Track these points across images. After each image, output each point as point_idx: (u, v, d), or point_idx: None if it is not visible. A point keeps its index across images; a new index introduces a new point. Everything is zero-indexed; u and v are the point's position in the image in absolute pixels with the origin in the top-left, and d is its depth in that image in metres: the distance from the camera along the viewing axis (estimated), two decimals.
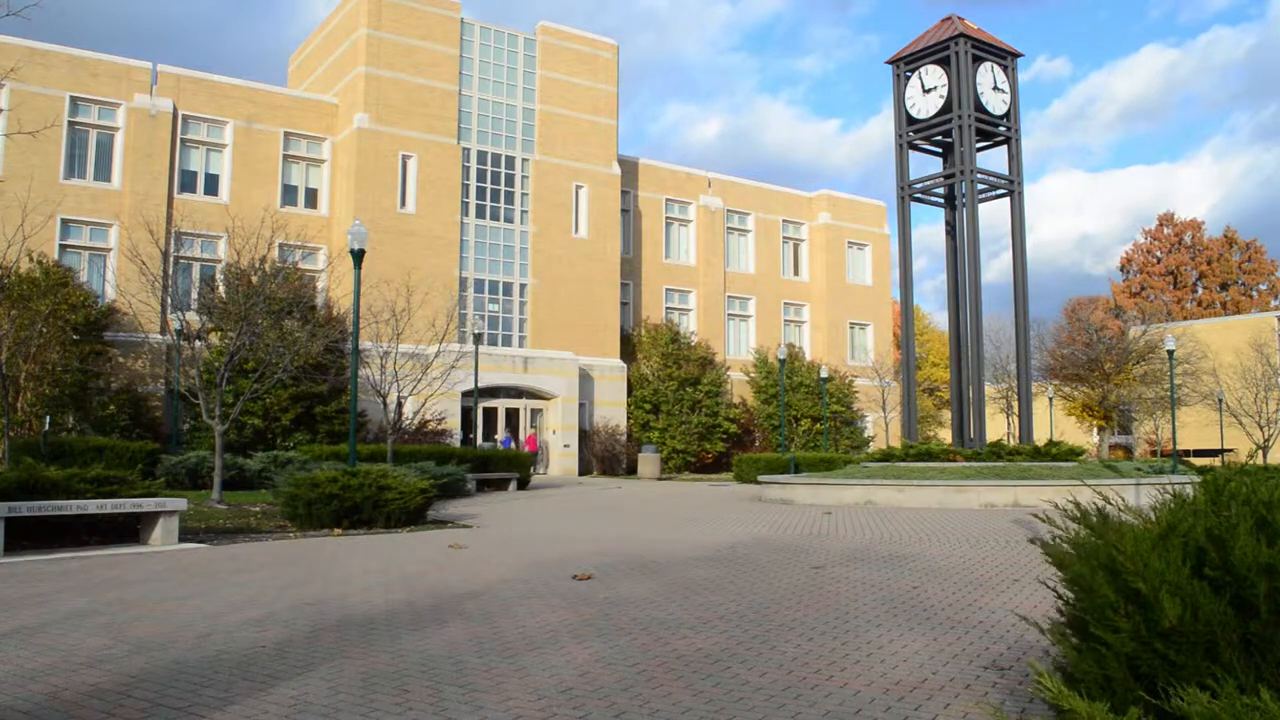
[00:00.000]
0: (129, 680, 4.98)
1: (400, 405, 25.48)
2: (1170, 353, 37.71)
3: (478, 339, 30.81)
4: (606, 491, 26.15)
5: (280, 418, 29.51)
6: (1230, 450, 50.80)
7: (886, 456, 23.38)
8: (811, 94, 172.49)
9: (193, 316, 25.25)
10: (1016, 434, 36.49)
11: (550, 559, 10.29)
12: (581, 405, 39.02)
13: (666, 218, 46.05)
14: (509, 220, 38.87)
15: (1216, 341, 55.48)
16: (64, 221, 32.56)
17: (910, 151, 25.03)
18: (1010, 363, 47.23)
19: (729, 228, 48.06)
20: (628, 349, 42.34)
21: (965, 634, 6.16)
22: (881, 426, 48.44)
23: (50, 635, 6.19)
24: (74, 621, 6.65)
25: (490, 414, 37.35)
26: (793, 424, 44.36)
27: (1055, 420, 53.96)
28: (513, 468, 27.36)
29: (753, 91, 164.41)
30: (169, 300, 24.53)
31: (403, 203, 36.36)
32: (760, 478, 24.38)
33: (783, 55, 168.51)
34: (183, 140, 34.87)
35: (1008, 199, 24.74)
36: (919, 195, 25.29)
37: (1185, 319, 69.22)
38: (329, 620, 6.71)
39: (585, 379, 39.25)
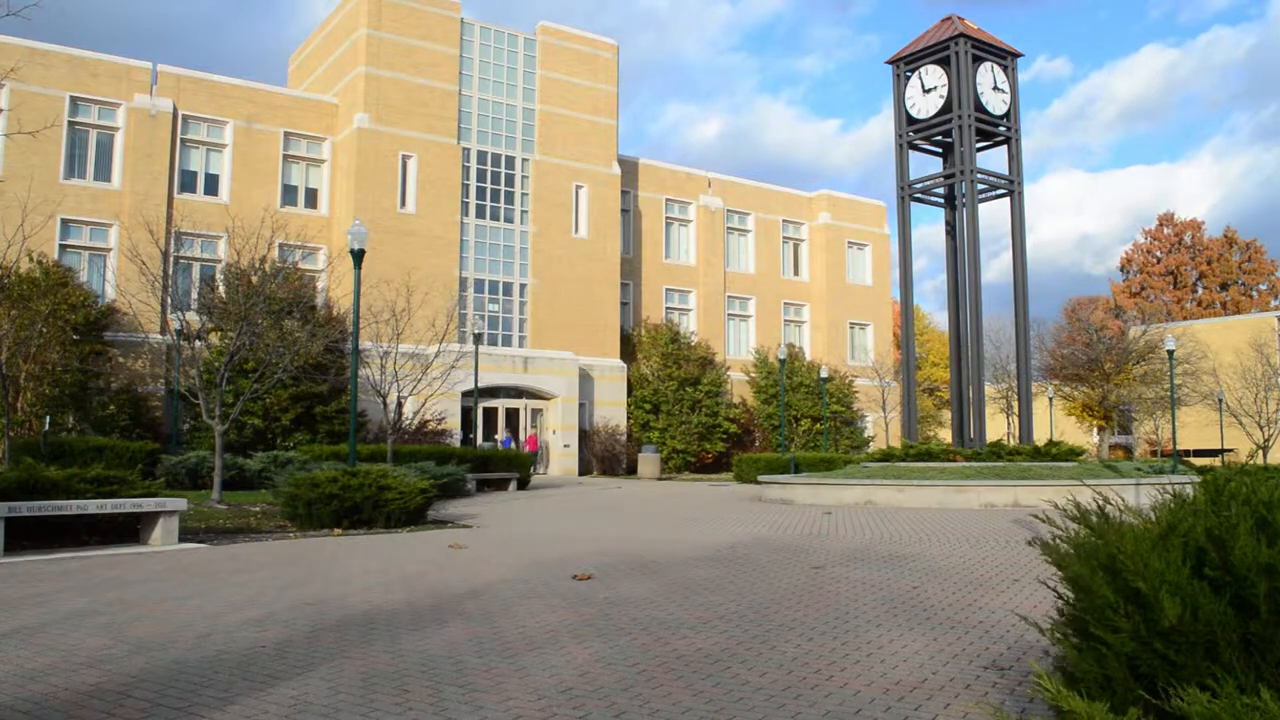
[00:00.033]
0: (129, 680, 4.98)
1: (400, 405, 25.48)
2: (1170, 353, 37.71)
3: (478, 339, 30.81)
4: (606, 491, 26.15)
5: (280, 418, 29.51)
6: (1230, 450, 50.80)
7: (886, 456, 23.39)
8: (811, 94, 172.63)
9: (193, 316, 25.25)
10: (1016, 434, 36.49)
11: (550, 559, 10.29)
12: (581, 405, 39.03)
13: (666, 218, 46.05)
14: (509, 220, 38.87)
15: (1216, 341, 55.48)
16: (64, 221, 32.56)
17: (910, 151, 25.03)
18: (1010, 363, 47.24)
19: (729, 228, 48.07)
20: (628, 349, 42.35)
21: (965, 634, 6.16)
22: (881, 426, 48.44)
23: (50, 635, 6.19)
24: (74, 621, 6.65)
25: (490, 414, 37.35)
26: (793, 424, 44.37)
27: (1055, 420, 53.96)
28: (513, 468, 27.37)
29: (753, 91, 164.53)
30: (169, 300, 24.53)
31: (403, 203, 36.36)
32: (760, 478, 24.38)
33: (783, 55, 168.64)
34: (183, 140, 34.87)
35: (1008, 199, 24.74)
36: (919, 195, 25.29)
37: (1185, 319, 69.23)
38: (329, 620, 6.71)
39: (585, 379, 39.25)
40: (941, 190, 25.27)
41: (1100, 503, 3.62)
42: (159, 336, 32.36)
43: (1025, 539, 11.22)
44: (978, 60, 23.92)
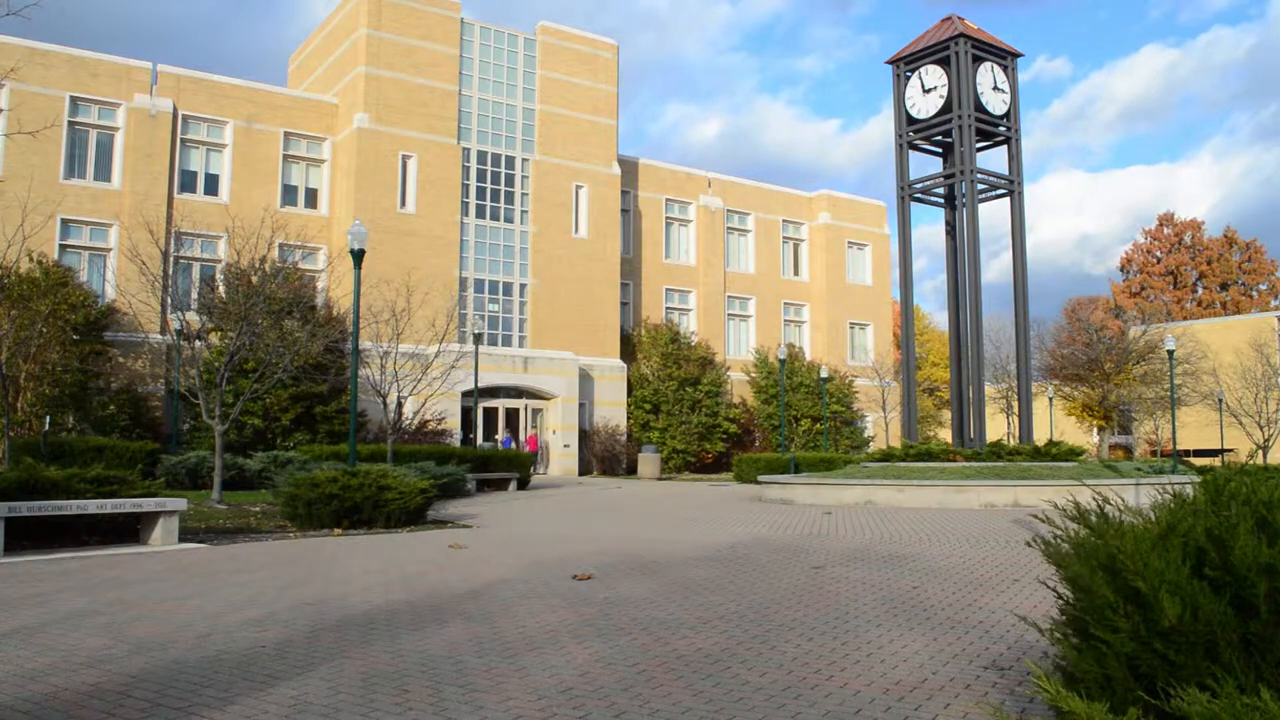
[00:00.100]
0: (129, 680, 4.98)
1: (400, 405, 25.48)
2: (1170, 353, 37.71)
3: (478, 339, 30.81)
4: (606, 491, 26.15)
5: (280, 418, 29.51)
6: (1230, 450, 50.80)
7: (886, 456, 23.38)
8: (811, 94, 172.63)
9: (193, 316, 25.25)
10: (1016, 434, 36.49)
11: (550, 559, 10.29)
12: (581, 405, 39.03)
13: (666, 218, 46.06)
14: (509, 220, 38.87)
15: (1216, 341, 55.48)
16: (64, 221, 32.57)
17: (910, 151, 25.03)
18: (1010, 363, 47.24)
19: (729, 228, 48.07)
20: (628, 349, 42.35)
21: (965, 634, 6.16)
22: (881, 426, 48.44)
23: (50, 635, 6.19)
24: (74, 621, 6.65)
25: (490, 414, 37.35)
26: (793, 424, 44.37)
27: (1055, 420, 53.96)
28: (513, 468, 27.37)
29: (753, 91, 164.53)
30: (169, 300, 24.53)
31: (403, 203, 36.36)
32: (760, 478, 24.38)
33: (783, 55, 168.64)
34: (183, 140, 34.88)
35: (1008, 199, 24.74)
36: (919, 195, 25.29)
37: (1185, 319, 69.23)
38: (329, 620, 6.71)
39: (585, 379, 39.26)
40: (941, 190, 25.27)
41: (1100, 503, 3.62)
42: (159, 336, 32.36)
43: (1025, 539, 11.21)
44: (978, 60, 23.92)
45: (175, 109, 34.56)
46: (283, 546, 12.01)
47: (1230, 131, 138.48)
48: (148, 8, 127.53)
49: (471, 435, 34.71)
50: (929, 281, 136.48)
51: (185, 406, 28.65)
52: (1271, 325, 59.07)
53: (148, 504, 12.03)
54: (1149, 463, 26.21)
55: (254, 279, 24.92)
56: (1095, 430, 55.58)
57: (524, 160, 39.33)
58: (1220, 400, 48.00)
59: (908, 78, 24.78)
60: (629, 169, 44.24)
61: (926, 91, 24.25)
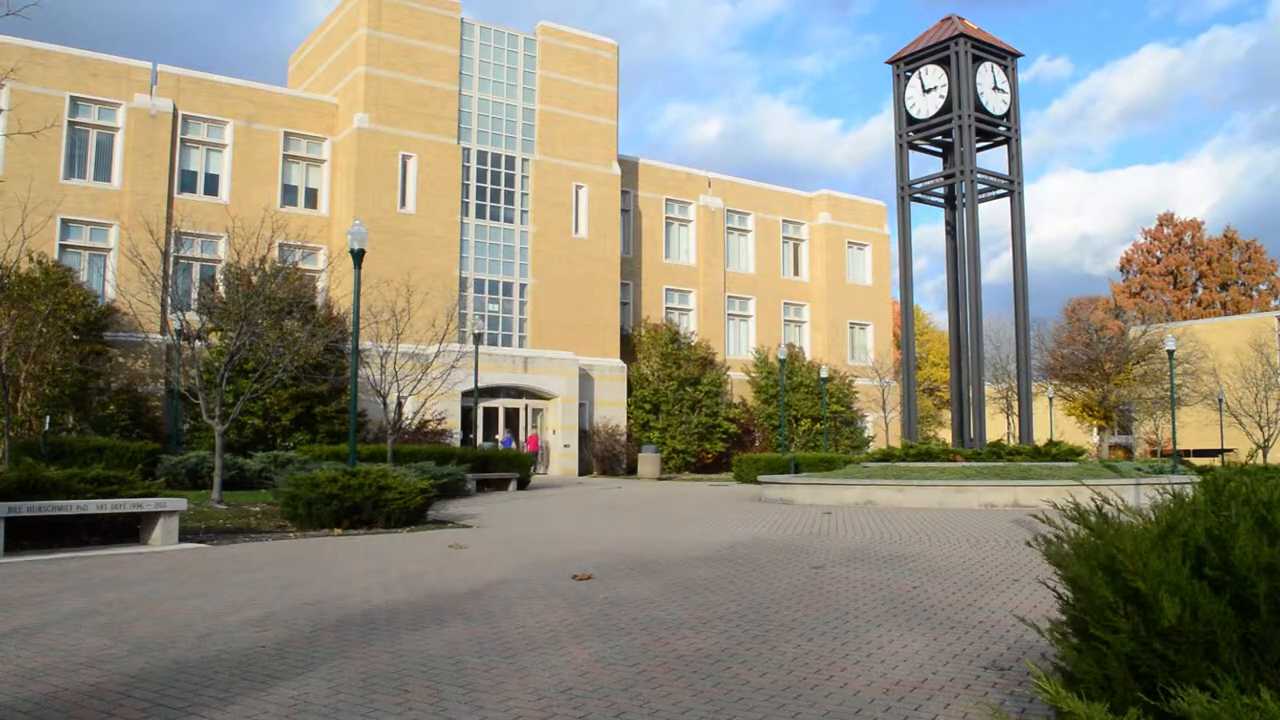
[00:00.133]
0: (129, 680, 4.98)
1: (400, 405, 25.48)
2: (1170, 353, 37.71)
3: (478, 339, 30.81)
4: (606, 491, 26.15)
5: (280, 418, 29.51)
6: (1230, 450, 50.80)
7: (886, 456, 23.38)
8: (811, 94, 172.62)
9: (193, 316, 25.26)
10: (1016, 434, 36.49)
11: (550, 559, 10.29)
12: (581, 405, 39.03)
13: (666, 218, 46.06)
14: (509, 220, 38.87)
15: (1216, 341, 55.48)
16: (64, 221, 32.57)
17: (910, 151, 25.02)
18: (1010, 363, 47.23)
19: (729, 228, 48.07)
20: (628, 349, 42.35)
21: (965, 634, 6.16)
22: (881, 426, 48.44)
23: (50, 635, 6.19)
24: (74, 621, 6.65)
25: (490, 414, 37.35)
26: (793, 424, 44.37)
27: (1055, 420, 53.96)
28: (513, 468, 27.37)
29: (753, 91, 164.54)
30: (169, 300, 24.53)
31: (403, 203, 36.36)
32: (760, 478, 24.38)
33: (783, 55, 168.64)
34: (183, 140, 34.88)
35: (1008, 199, 24.74)
36: (919, 195, 25.29)
37: (1185, 319, 69.23)
38: (329, 620, 6.71)
39: (585, 379, 39.26)
40: (941, 190, 25.26)
41: (1099, 503, 3.62)
42: (159, 336, 32.36)
43: (1025, 539, 11.22)
44: (978, 60, 23.92)
45: (175, 109, 34.56)
46: (283, 546, 12.01)
47: (1230, 131, 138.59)
48: (148, 8, 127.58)
49: (471, 435, 34.71)
50: (929, 281, 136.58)
51: (185, 406, 28.65)
52: (1271, 325, 59.07)
53: (148, 504, 12.03)
54: (1149, 463, 26.21)
55: (254, 279, 24.92)
56: (1095, 430, 55.58)
57: (524, 160, 39.33)
58: (1220, 400, 48.00)
59: (908, 78, 24.78)
60: (629, 169, 44.24)
61: (926, 91, 24.25)
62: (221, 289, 27.70)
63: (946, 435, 49.18)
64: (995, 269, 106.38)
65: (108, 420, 28.71)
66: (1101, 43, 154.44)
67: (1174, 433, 37.53)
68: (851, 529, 13.77)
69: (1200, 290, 79.27)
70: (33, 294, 24.82)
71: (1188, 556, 3.10)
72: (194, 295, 27.82)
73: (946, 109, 23.75)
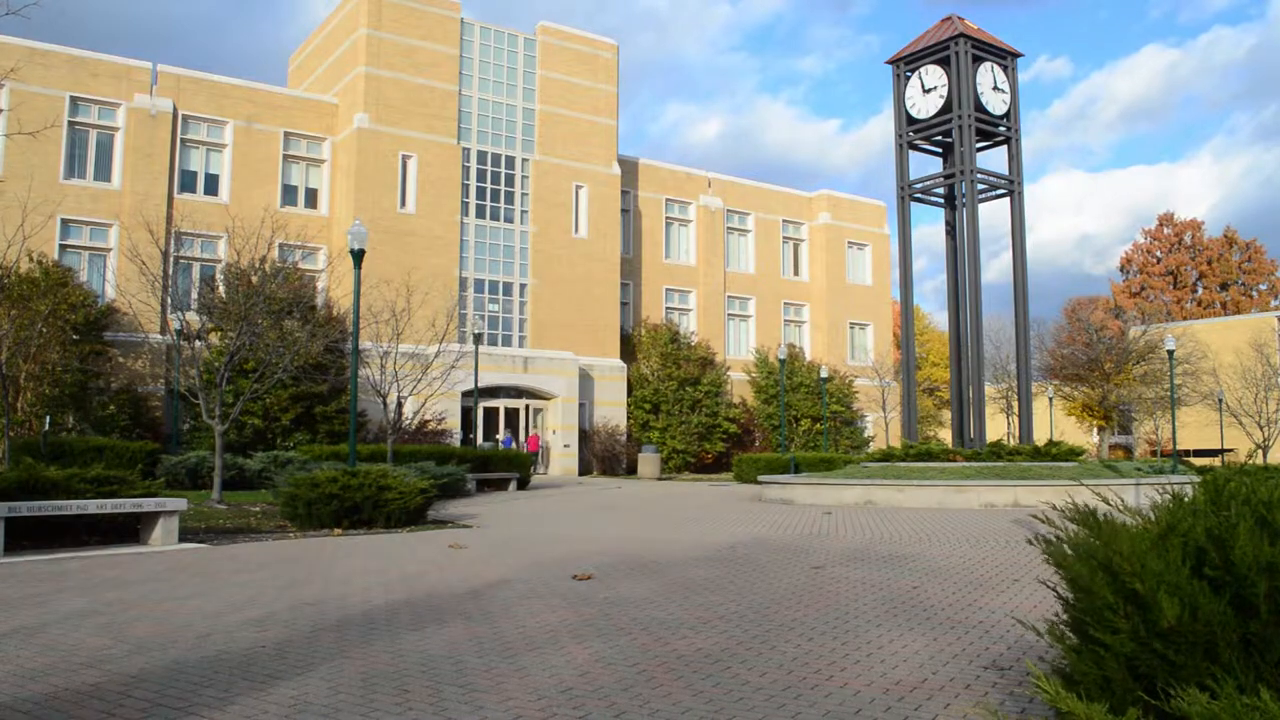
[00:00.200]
0: (129, 680, 4.98)
1: (400, 405, 25.47)
2: (1170, 353, 37.71)
3: (478, 339, 30.81)
4: (606, 491, 26.15)
5: (280, 418, 29.51)
6: (1230, 450, 50.79)
7: (886, 456, 23.38)
8: (812, 94, 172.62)
9: (193, 316, 25.26)
10: (1016, 434, 36.49)
11: (550, 559, 10.29)
12: (581, 405, 39.03)
13: (666, 218, 46.05)
14: (509, 220, 38.87)
15: (1216, 341, 55.48)
16: (64, 221, 32.56)
17: (910, 151, 25.02)
18: (1010, 363, 47.23)
19: (729, 228, 48.07)
20: (628, 349, 42.35)
21: (965, 634, 6.16)
22: (881, 426, 48.44)
23: (50, 635, 6.19)
24: (74, 621, 6.65)
25: (490, 414, 37.35)
26: (793, 424, 44.36)
27: (1055, 420, 53.95)
28: (513, 468, 27.37)
29: (753, 91, 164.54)
30: (169, 300, 24.54)
31: (403, 203, 36.36)
32: (760, 478, 24.38)
33: (783, 55, 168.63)
34: (183, 140, 34.88)
35: (1008, 199, 24.74)
36: (919, 195, 25.29)
37: (1185, 319, 69.22)
38: (329, 620, 6.71)
39: (585, 379, 39.26)
40: (941, 190, 25.26)
41: (1099, 503, 3.62)
42: (159, 336, 32.36)
43: (1025, 539, 11.24)
44: (978, 60, 23.92)
45: (175, 109, 34.56)
46: (283, 546, 12.01)
47: (1230, 131, 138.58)
48: (148, 8, 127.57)
49: (472, 435, 34.71)
50: (929, 281, 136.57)
51: (185, 406, 28.65)
52: (1271, 325, 59.07)
53: (148, 504, 12.03)
54: (1149, 463, 26.21)
55: (254, 279, 24.92)
56: (1095, 430, 55.58)
57: (524, 160, 39.33)
58: (1220, 400, 48.00)
59: (908, 78, 24.78)
60: (629, 169, 44.24)
61: (926, 91, 24.25)
62: (221, 289, 27.70)
63: (946, 435, 49.18)
64: (995, 269, 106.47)
65: (108, 420, 28.71)
66: (1102, 43, 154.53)
67: (1174, 433, 37.52)
68: (851, 529, 13.78)
69: (1200, 290, 79.26)
70: (33, 294, 24.82)
71: (1188, 556, 3.10)
72: (194, 295, 27.82)
73: (946, 109, 23.75)
